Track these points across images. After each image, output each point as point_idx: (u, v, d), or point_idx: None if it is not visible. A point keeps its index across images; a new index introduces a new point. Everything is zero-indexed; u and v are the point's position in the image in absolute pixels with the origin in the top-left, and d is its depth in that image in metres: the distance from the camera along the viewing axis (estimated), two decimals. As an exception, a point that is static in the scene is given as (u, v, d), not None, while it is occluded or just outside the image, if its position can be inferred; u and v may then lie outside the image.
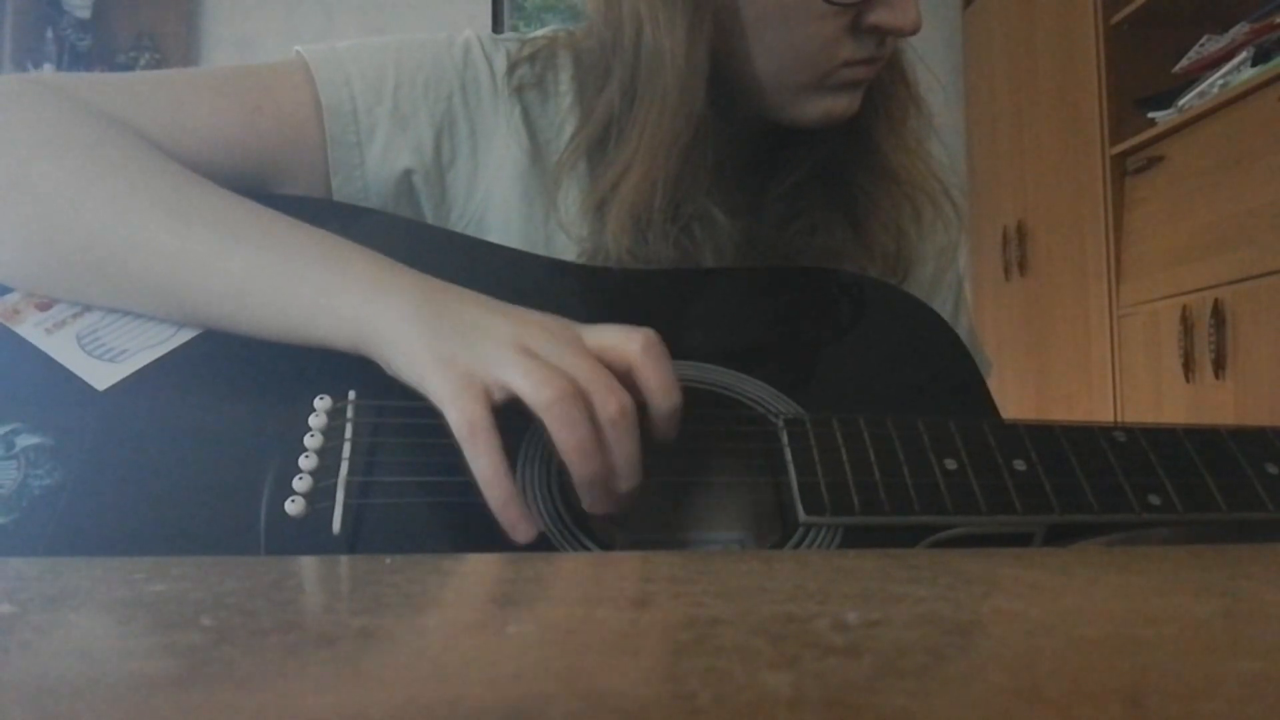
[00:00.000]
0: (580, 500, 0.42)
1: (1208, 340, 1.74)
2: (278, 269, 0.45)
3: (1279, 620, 0.21)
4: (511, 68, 0.61)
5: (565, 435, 0.40)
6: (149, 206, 0.47)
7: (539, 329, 0.43)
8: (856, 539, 0.42)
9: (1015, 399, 2.38)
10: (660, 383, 0.43)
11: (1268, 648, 0.18)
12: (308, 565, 0.33)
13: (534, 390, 0.40)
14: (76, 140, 0.49)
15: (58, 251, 0.47)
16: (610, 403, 0.41)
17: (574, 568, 0.33)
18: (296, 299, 0.45)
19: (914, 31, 0.55)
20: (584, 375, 0.41)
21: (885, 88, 0.62)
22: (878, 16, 0.54)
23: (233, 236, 0.46)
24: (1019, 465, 0.44)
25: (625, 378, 0.43)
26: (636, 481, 0.42)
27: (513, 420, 0.41)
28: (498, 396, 0.41)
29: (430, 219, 0.60)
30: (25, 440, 0.42)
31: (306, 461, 0.42)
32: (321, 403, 0.45)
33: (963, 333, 0.68)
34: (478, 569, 0.33)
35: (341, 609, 0.24)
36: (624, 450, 0.41)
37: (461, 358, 0.42)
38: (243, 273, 0.45)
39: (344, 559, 0.36)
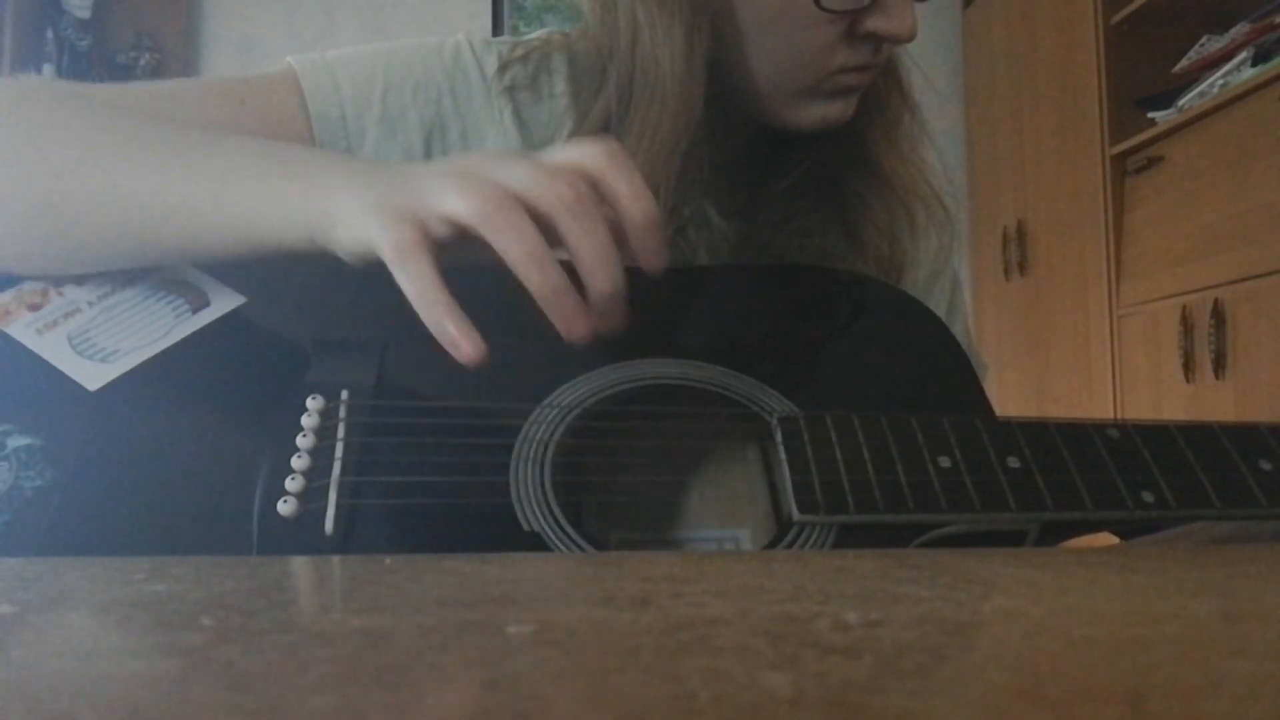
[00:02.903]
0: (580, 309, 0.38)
1: (1208, 340, 1.74)
2: (220, 181, 0.44)
3: (1279, 620, 0.21)
4: (502, 68, 0.61)
5: (510, 245, 0.37)
6: (101, 150, 0.46)
7: (481, 156, 0.41)
8: (850, 537, 0.42)
9: (1015, 399, 2.38)
10: (629, 188, 0.39)
11: (1268, 648, 0.18)
12: (307, 565, 0.33)
13: (469, 206, 0.37)
14: (42, 102, 0.49)
15: (19, 213, 0.46)
16: (559, 187, 0.37)
17: (573, 568, 0.33)
18: (244, 205, 0.43)
19: (910, 38, 0.55)
20: (523, 178, 0.38)
21: (880, 93, 0.62)
22: (874, 23, 0.54)
23: (175, 158, 0.45)
24: (1013, 462, 0.44)
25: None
26: (612, 280, 0.38)
27: (508, 412, 0.41)
28: (439, 230, 0.38)
29: None
30: (16, 441, 0.41)
31: (299, 461, 0.42)
32: (314, 402, 0.45)
33: (957, 334, 0.68)
34: (477, 569, 0.33)
35: (341, 609, 0.24)
36: (591, 240, 0.37)
37: (398, 198, 0.39)
38: (187, 191, 0.44)
39: (343, 559, 0.36)
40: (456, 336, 0.37)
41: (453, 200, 0.38)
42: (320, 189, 0.42)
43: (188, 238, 0.45)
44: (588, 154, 0.40)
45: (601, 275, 0.38)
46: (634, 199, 0.39)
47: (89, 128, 0.47)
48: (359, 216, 0.39)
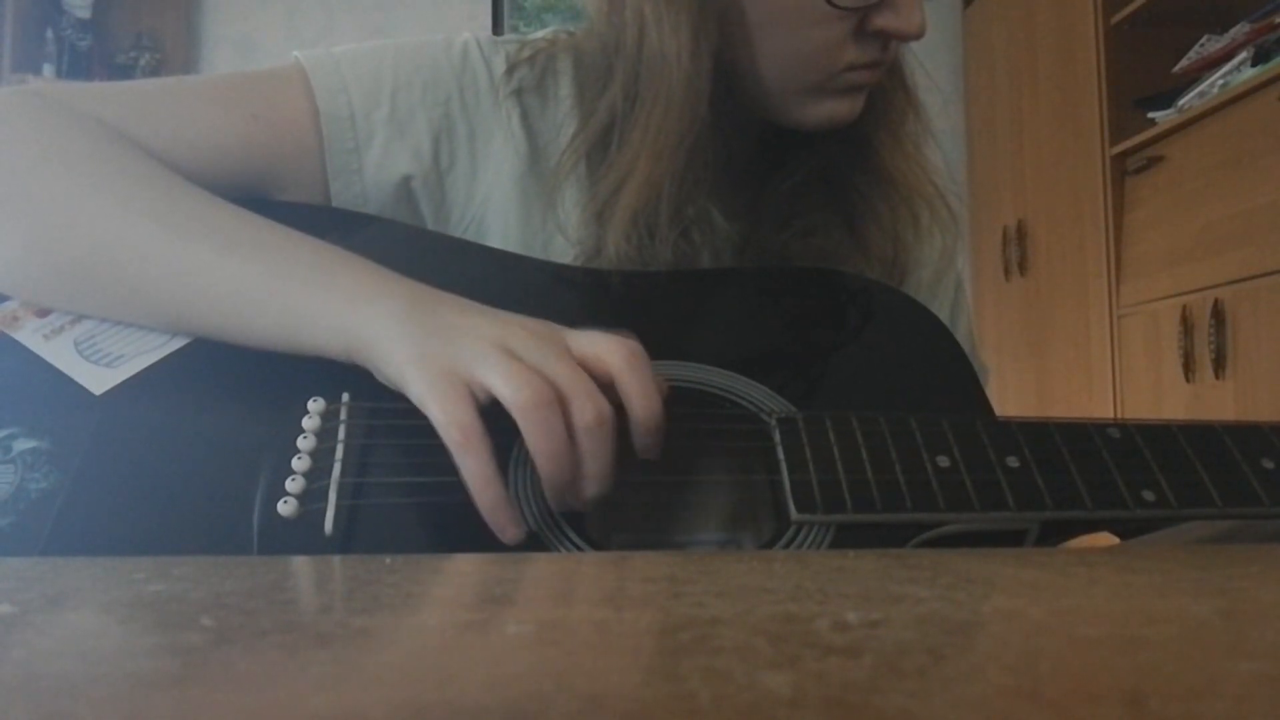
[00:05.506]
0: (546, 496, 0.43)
1: (1208, 340, 1.74)
2: (270, 279, 0.45)
3: (1279, 620, 0.21)
4: (510, 70, 0.61)
5: (540, 441, 0.40)
6: (144, 218, 0.47)
7: (522, 330, 0.43)
8: (849, 537, 0.42)
9: (1015, 399, 2.37)
10: (641, 391, 0.43)
11: (1268, 648, 0.18)
12: (307, 565, 0.33)
13: (513, 393, 0.40)
14: (74, 152, 0.49)
15: (54, 262, 0.47)
16: (588, 409, 0.41)
17: (573, 568, 0.33)
18: (288, 309, 0.45)
19: (919, 36, 0.55)
20: (564, 380, 0.41)
21: (884, 93, 0.62)
22: (882, 21, 0.54)
23: (226, 247, 0.46)
24: (1012, 462, 0.44)
25: (608, 389, 0.43)
26: (603, 490, 0.42)
27: (502, 422, 0.41)
28: (480, 397, 0.41)
29: (430, 224, 0.60)
30: (22, 444, 0.42)
31: (299, 463, 0.42)
32: (315, 404, 0.45)
33: (960, 336, 0.68)
34: (476, 569, 0.33)
35: (341, 609, 0.24)
36: (597, 459, 0.41)
37: (442, 356, 0.42)
38: (235, 284, 0.46)
39: (343, 559, 0.36)
40: (505, 525, 0.41)
41: (498, 382, 0.41)
42: (363, 314, 0.44)
43: (228, 330, 0.46)
44: (612, 353, 0.43)
45: (596, 488, 0.42)
46: (642, 401, 0.43)
47: (126, 196, 0.48)
48: (401, 364, 0.42)
